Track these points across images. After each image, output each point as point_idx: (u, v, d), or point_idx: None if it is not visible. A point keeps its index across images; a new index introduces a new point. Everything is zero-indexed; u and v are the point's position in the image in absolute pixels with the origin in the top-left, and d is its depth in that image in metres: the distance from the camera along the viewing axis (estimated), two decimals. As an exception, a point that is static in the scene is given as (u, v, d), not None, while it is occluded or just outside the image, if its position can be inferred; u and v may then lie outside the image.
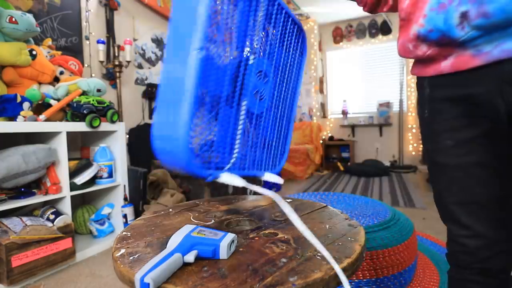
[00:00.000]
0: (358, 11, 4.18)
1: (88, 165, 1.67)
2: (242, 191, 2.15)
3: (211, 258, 0.41)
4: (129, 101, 2.55)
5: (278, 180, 0.54)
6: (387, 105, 4.49)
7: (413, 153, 4.48)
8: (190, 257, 0.39)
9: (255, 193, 0.52)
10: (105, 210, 1.76)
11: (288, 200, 0.75)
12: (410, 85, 4.48)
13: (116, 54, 2.23)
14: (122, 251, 0.45)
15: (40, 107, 1.51)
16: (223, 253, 0.41)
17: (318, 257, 0.41)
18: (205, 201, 0.75)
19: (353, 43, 4.72)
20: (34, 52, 1.50)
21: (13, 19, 1.39)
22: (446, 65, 0.50)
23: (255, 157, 0.55)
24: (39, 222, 1.37)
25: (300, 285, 0.34)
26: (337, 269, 0.37)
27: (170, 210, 0.68)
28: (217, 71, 0.41)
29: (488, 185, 0.51)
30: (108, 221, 1.82)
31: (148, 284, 0.34)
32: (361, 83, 4.73)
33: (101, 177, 1.74)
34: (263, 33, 0.50)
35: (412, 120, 4.48)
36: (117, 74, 2.24)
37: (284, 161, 0.61)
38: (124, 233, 0.53)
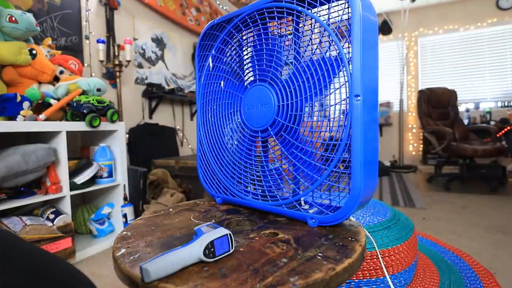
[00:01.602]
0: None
1: (88, 164, 1.67)
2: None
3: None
4: (129, 101, 2.54)
5: None
6: (387, 105, 4.49)
7: (413, 153, 4.48)
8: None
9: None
10: (105, 210, 1.76)
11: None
12: (410, 85, 4.47)
13: (116, 54, 2.23)
14: (122, 250, 0.45)
15: (40, 106, 1.51)
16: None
17: (318, 257, 0.41)
18: (205, 201, 0.74)
19: (353, 43, 4.72)
20: (34, 52, 1.50)
21: (13, 18, 1.39)
22: None
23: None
24: (39, 221, 1.37)
25: (300, 285, 0.34)
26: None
27: (170, 210, 0.68)
28: None
29: None
30: (108, 220, 1.82)
31: (149, 271, 0.35)
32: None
33: (101, 177, 1.74)
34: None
35: (412, 120, 4.48)
36: (117, 73, 2.24)
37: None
38: (124, 232, 0.53)
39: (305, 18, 0.52)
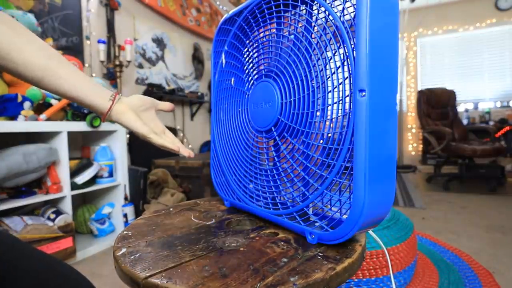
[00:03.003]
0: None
1: (89, 164, 1.67)
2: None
3: None
4: (129, 101, 2.54)
5: None
6: (387, 105, 4.49)
7: (413, 153, 4.48)
8: None
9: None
10: (106, 210, 1.77)
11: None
12: (409, 85, 4.48)
13: (117, 54, 2.23)
14: (123, 250, 0.46)
15: (41, 106, 1.51)
16: None
17: (319, 257, 0.41)
18: (206, 201, 0.75)
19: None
20: (34, 52, 1.50)
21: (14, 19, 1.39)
22: None
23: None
24: (40, 221, 1.37)
25: (301, 285, 0.34)
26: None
27: (171, 209, 0.68)
28: None
29: None
30: (109, 220, 1.83)
31: None
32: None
33: (101, 177, 1.74)
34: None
35: (411, 120, 4.49)
36: (118, 74, 2.25)
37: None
38: (125, 232, 0.54)
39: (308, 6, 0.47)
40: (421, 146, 4.23)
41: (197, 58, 3.47)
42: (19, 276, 0.36)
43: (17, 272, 0.36)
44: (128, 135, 2.46)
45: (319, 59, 0.45)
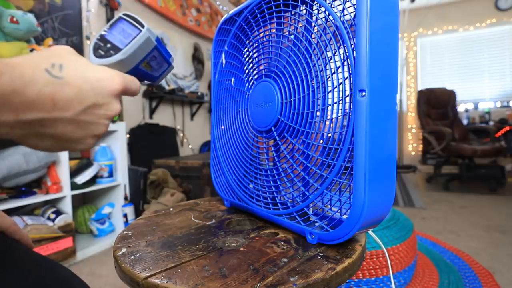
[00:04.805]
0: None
1: (89, 164, 1.67)
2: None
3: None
4: (129, 101, 2.55)
5: None
6: (387, 105, 4.49)
7: (413, 153, 4.48)
8: None
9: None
10: (106, 210, 1.77)
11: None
12: (409, 85, 4.48)
13: (117, 54, 2.23)
14: (123, 250, 0.46)
15: (40, 106, 1.51)
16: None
17: (319, 257, 0.41)
18: (206, 201, 0.75)
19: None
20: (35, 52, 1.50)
21: (14, 19, 1.39)
22: None
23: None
24: (40, 221, 1.37)
25: (301, 285, 0.34)
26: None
27: (171, 209, 0.68)
28: None
29: None
30: (109, 220, 1.83)
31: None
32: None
33: (101, 177, 1.74)
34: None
35: (411, 120, 4.49)
36: (118, 73, 2.24)
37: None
38: (125, 232, 0.54)
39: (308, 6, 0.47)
40: (421, 146, 4.23)
41: (197, 58, 3.47)
42: (15, 278, 0.36)
43: (13, 274, 0.36)
44: (128, 135, 2.46)
45: (319, 59, 0.45)
